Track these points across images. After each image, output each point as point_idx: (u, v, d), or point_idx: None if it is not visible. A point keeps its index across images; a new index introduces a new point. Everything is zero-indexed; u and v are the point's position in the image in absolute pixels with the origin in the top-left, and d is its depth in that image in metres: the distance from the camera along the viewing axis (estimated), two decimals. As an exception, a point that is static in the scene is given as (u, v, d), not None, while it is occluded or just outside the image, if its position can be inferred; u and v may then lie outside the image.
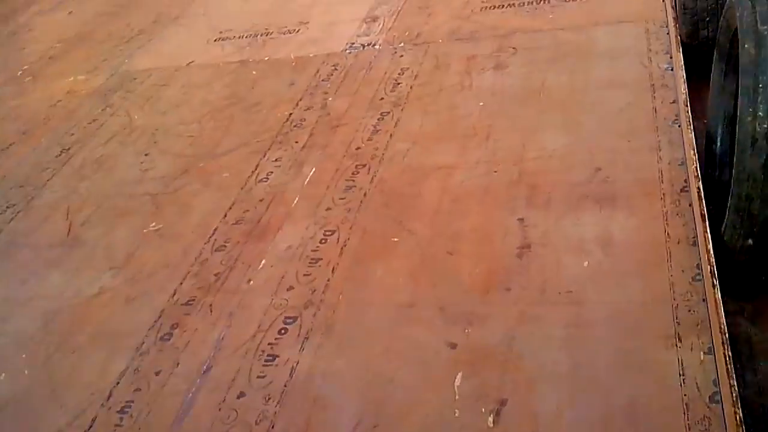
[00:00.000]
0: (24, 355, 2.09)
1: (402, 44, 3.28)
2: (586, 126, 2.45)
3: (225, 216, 2.42)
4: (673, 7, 2.80)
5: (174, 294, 2.12)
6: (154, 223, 2.49)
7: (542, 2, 3.33)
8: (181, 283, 2.16)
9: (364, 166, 2.50)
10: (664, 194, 2.07)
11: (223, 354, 1.90)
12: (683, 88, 2.32)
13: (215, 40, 3.79)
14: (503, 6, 3.40)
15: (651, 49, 2.76)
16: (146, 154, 2.94)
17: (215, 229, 2.36)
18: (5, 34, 4.75)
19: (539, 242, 2.02)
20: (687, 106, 2.24)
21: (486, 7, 3.44)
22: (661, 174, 2.15)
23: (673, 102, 2.42)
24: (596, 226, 2.02)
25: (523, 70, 2.86)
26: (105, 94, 3.53)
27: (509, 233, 2.07)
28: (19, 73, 4.02)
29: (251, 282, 2.10)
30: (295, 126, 2.86)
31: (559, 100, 2.63)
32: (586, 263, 1.92)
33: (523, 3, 3.37)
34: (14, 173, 3.05)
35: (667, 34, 2.80)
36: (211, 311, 2.02)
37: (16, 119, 3.51)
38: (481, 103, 2.71)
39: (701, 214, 1.84)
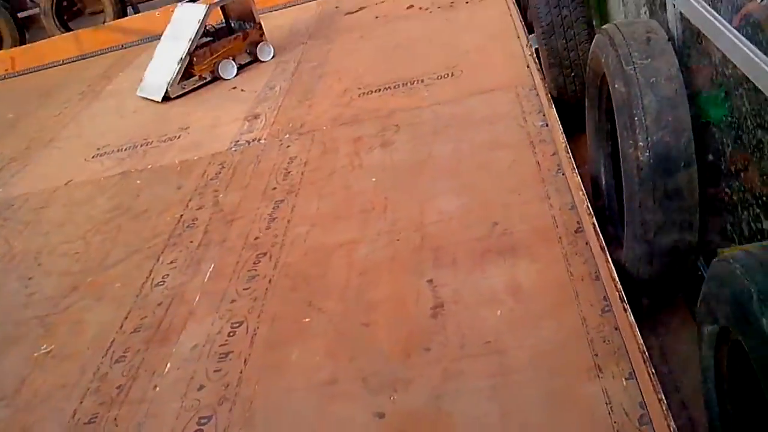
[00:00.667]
0: None
1: (287, 135, 3.30)
2: (477, 186, 2.52)
3: (121, 326, 2.27)
4: (539, 70, 2.99)
5: (74, 414, 1.93)
6: (44, 346, 2.29)
7: (416, 83, 3.49)
8: (81, 402, 1.97)
9: (265, 254, 2.44)
10: (560, 237, 2.13)
11: (134, 471, 1.73)
12: (561, 138, 2.45)
13: (93, 157, 3.69)
14: (380, 90, 3.53)
15: (525, 110, 2.92)
16: (30, 278, 2.74)
17: (112, 341, 2.20)
18: None
19: (451, 300, 2.01)
20: (568, 153, 2.35)
21: (363, 93, 3.55)
22: (555, 219, 2.22)
23: (554, 154, 2.55)
24: (503, 277, 2.04)
25: (409, 145, 2.94)
26: (-22, 224, 3.31)
27: (421, 296, 2.05)
28: None
29: (157, 388, 1.95)
30: (187, 227, 2.77)
31: (447, 167, 2.71)
32: (499, 312, 1.92)
33: (398, 85, 3.52)
34: None
35: (537, 95, 2.98)
36: (116, 425, 1.85)
37: None
38: (374, 179, 2.74)
39: (600, 247, 1.90)
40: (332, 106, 3.51)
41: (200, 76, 4.19)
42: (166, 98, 4.09)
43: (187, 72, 4.13)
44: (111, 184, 3.35)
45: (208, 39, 4.25)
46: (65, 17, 6.27)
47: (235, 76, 4.25)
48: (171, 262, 2.55)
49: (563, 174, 2.41)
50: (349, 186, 2.76)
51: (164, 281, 2.45)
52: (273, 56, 4.40)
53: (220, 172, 3.14)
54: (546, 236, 2.16)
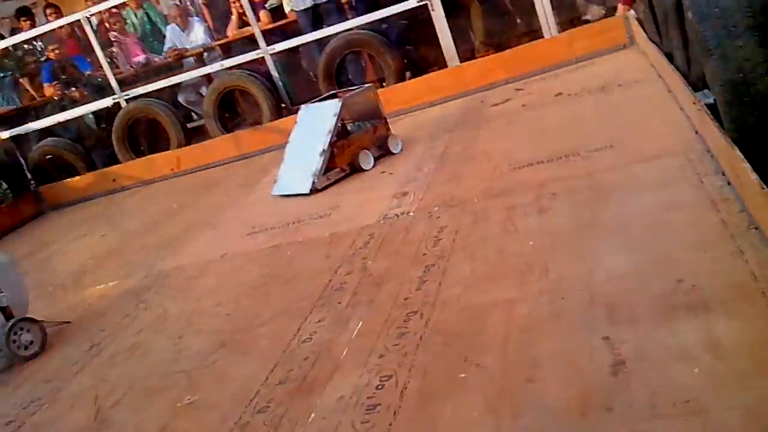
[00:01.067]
0: None
1: (436, 208, 3.21)
2: (652, 245, 2.26)
3: (266, 379, 2.16)
4: (718, 127, 2.70)
5: (214, 461, 1.81)
6: (188, 397, 2.22)
7: (571, 156, 3.32)
8: (221, 450, 1.85)
9: (416, 312, 2.28)
10: (763, 291, 1.82)
11: None
12: (757, 188, 2.16)
13: (248, 235, 3.76)
14: (532, 164, 3.39)
15: (699, 173, 2.66)
16: (180, 337, 2.74)
17: (256, 393, 2.09)
18: (38, 260, 4.79)
19: (634, 357, 1.74)
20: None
21: (514, 168, 3.43)
22: (753, 274, 1.91)
23: (742, 211, 2.26)
24: (697, 333, 1.75)
25: (568, 210, 2.74)
26: (138, 293, 3.42)
27: (595, 353, 1.80)
28: (50, 288, 3.96)
29: (301, 438, 1.80)
30: (336, 290, 2.69)
31: (614, 228, 2.48)
32: (696, 370, 1.62)
33: (552, 159, 3.36)
34: (41, 371, 2.84)
35: (712, 158, 2.71)
36: (257, 472, 1.70)
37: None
38: (531, 243, 2.55)
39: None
40: (482, 180, 3.40)
41: (341, 168, 4.21)
42: (314, 190, 4.10)
43: (328, 165, 4.16)
44: (263, 255, 3.39)
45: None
46: (228, 126, 6.69)
47: (372, 167, 4.25)
48: (318, 321, 2.45)
49: (756, 228, 2.11)
50: (504, 249, 2.58)
51: (311, 338, 2.34)
52: (401, 149, 4.39)
53: (368, 242, 3.07)
54: (744, 291, 1.85)
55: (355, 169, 4.24)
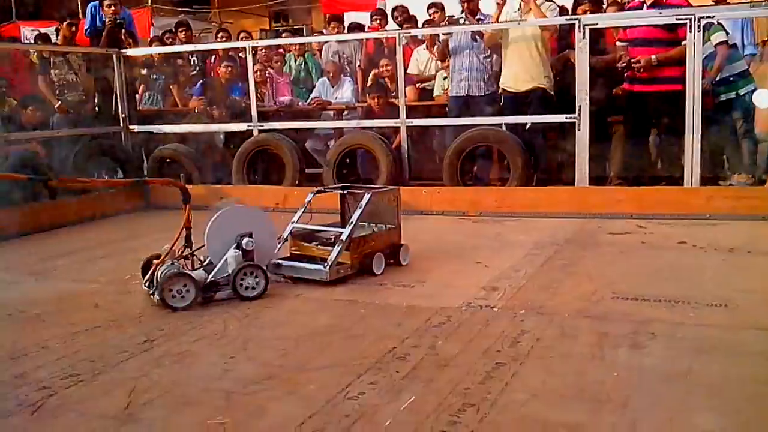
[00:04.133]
0: None
1: (523, 311, 3.06)
2: (744, 413, 2.04)
3: (302, 423, 2.06)
4: None
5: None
6: (220, 417, 2.14)
7: (681, 302, 3.11)
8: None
9: (473, 405, 2.13)
10: None
11: None
12: None
13: (328, 282, 3.71)
14: (636, 299, 3.20)
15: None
16: (231, 357, 2.69)
17: (288, 433, 1.99)
18: (124, 249, 4.95)
19: None
20: None
21: (616, 297, 3.24)
22: None
23: None
24: None
25: (664, 353, 2.53)
26: (206, 305, 3.42)
27: None
28: (127, 277, 4.05)
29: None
30: (397, 358, 2.57)
31: (709, 385, 2.26)
32: None
33: (659, 300, 3.15)
34: (90, 351, 2.84)
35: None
36: None
37: (111, 311, 3.41)
38: (616, 374, 2.36)
39: None
40: (578, 299, 3.23)
41: (351, 264, 3.77)
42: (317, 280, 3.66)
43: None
44: (337, 306, 3.34)
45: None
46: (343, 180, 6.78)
47: (381, 273, 3.82)
48: (371, 383, 2.34)
49: None
50: (585, 372, 2.39)
51: (359, 397, 2.23)
52: (408, 263, 4.02)
53: (444, 323, 2.95)
54: None
55: (364, 270, 3.79)
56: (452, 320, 2.99)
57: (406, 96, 6.50)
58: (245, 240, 3.52)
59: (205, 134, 7.33)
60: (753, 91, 6.26)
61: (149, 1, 15.29)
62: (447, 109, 6.70)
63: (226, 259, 3.47)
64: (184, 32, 8.40)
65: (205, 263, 3.57)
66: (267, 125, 6.89)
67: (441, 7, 7.46)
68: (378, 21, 7.93)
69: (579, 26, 5.49)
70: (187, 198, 3.65)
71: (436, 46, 7.04)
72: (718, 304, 3.07)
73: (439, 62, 7.13)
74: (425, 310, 3.15)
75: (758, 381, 2.29)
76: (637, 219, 5.08)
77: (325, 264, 3.66)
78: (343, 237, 3.73)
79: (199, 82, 7.82)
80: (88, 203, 6.34)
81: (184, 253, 3.59)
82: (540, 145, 6.16)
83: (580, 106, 5.50)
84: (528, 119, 6.03)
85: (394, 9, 7.99)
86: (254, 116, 6.86)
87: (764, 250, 4.05)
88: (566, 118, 5.65)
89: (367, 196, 3.90)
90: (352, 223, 3.81)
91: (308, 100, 7.76)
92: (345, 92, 7.49)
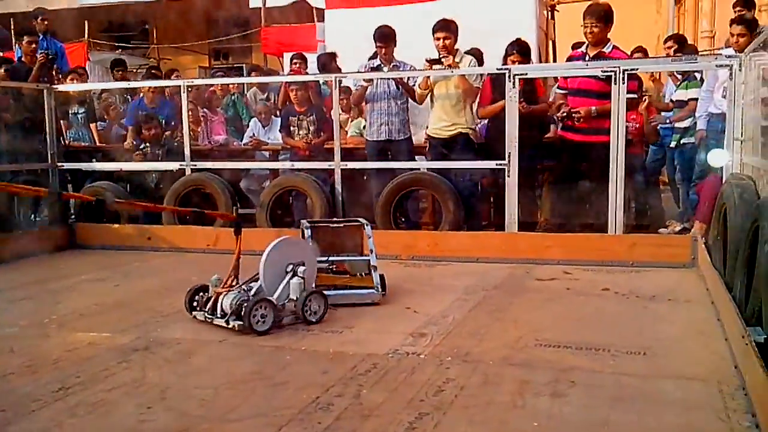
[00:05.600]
0: None
1: (449, 358, 3.07)
2: (661, 466, 2.07)
3: (216, 478, 1.99)
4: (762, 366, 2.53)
5: None
6: (131, 471, 2.06)
7: (602, 350, 3.17)
8: None
9: (394, 458, 2.11)
10: None
11: None
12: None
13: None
14: (559, 346, 3.25)
15: (728, 407, 2.49)
16: (149, 407, 2.59)
17: (200, 489, 1.92)
18: (46, 291, 4.77)
19: None
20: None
21: (540, 344, 3.29)
22: None
23: (766, 458, 2.06)
24: None
25: (583, 402, 2.57)
26: (126, 352, 3.30)
27: None
28: (46, 320, 3.89)
29: None
30: (320, 408, 2.53)
31: (627, 436, 2.29)
32: None
33: (581, 347, 3.22)
34: (0, 399, 2.70)
35: (746, 395, 2.53)
36: None
37: (27, 356, 3.26)
38: (536, 424, 2.38)
39: None
40: (503, 346, 3.27)
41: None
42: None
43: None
44: (262, 351, 3.28)
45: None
46: (276, 222, 6.75)
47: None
48: (291, 435, 2.29)
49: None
50: (506, 422, 2.41)
51: (277, 450, 2.18)
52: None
53: (370, 371, 2.93)
54: None
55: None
56: (378, 368, 2.97)
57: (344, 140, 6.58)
58: (301, 269, 3.72)
59: (137, 173, 7.19)
60: (693, 142, 6.64)
61: (86, 36, 15.03)
62: (366, 152, 6.80)
63: (288, 286, 3.67)
64: (120, 71, 8.31)
65: (252, 291, 3.69)
66: (201, 164, 6.81)
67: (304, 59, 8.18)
68: (298, 65, 8.09)
69: (509, 75, 5.66)
70: (238, 230, 3.91)
71: (353, 92, 7.19)
72: (638, 352, 3.15)
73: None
74: (352, 357, 3.12)
75: (675, 430, 2.35)
76: (564, 265, 5.20)
77: (375, 288, 4.09)
78: (373, 262, 4.19)
79: (129, 110, 7.73)
80: (11, 242, 6.10)
81: (232, 283, 3.73)
82: (471, 190, 6.29)
83: (509, 153, 5.64)
84: (462, 164, 6.15)
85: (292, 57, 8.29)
86: (187, 155, 6.77)
87: (684, 298, 4.19)
88: (497, 164, 5.78)
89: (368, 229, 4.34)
90: (372, 251, 4.21)
91: (246, 139, 7.73)
92: (277, 133, 7.50)
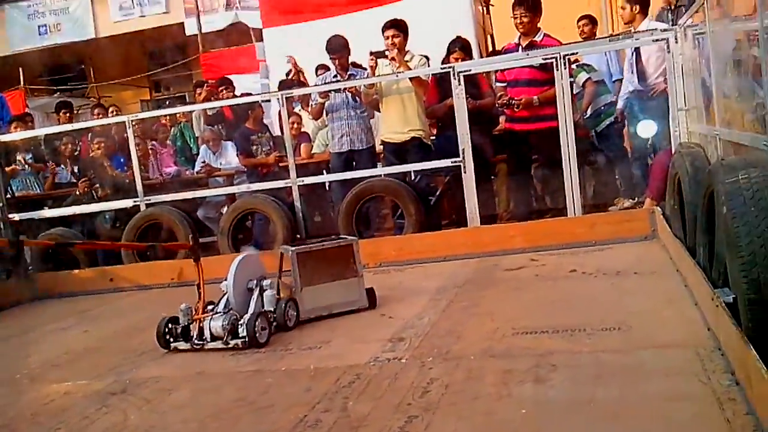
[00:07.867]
0: None
1: (431, 359, 3.08)
2: (650, 433, 2.11)
3: None
4: (734, 324, 2.59)
5: None
6: None
7: (578, 331, 3.21)
8: None
9: (389, 464, 2.10)
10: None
11: None
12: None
13: (230, 355, 3.61)
14: (536, 332, 3.28)
15: (707, 369, 2.53)
16: (134, 449, 2.54)
17: None
18: (13, 346, 4.64)
19: None
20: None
21: (517, 333, 3.32)
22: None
23: (747, 414, 2.11)
24: None
25: (566, 384, 2.60)
26: (104, 397, 3.22)
27: None
28: (18, 376, 3.78)
29: None
30: (309, 426, 2.51)
31: (612, 411, 2.33)
32: None
33: (557, 330, 3.25)
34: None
35: (722, 355, 2.60)
36: None
37: (3, 415, 3.16)
38: (524, 411, 2.40)
39: None
40: (482, 339, 3.28)
41: None
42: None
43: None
44: (242, 378, 3.23)
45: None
46: (239, 247, 6.69)
47: None
48: (283, 457, 2.27)
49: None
50: (494, 413, 2.42)
51: (271, 474, 2.15)
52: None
53: (354, 382, 2.91)
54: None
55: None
56: (361, 378, 2.95)
57: (299, 155, 6.56)
58: (266, 281, 3.93)
59: (91, 215, 7.05)
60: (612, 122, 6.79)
61: (22, 82, 14.72)
62: (330, 165, 6.80)
63: (261, 300, 3.86)
64: (66, 113, 8.16)
65: (218, 311, 3.80)
66: (154, 198, 6.71)
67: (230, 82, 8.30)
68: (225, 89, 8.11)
69: (454, 73, 5.72)
70: (197, 258, 4.02)
71: (310, 106, 7.18)
72: (613, 328, 3.20)
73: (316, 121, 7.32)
74: (333, 370, 3.10)
75: (660, 398, 2.38)
76: (530, 252, 5.25)
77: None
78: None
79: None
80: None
81: (206, 308, 3.84)
82: (430, 190, 6.34)
83: (463, 149, 5.70)
84: (418, 166, 6.19)
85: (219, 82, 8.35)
86: (140, 190, 6.67)
87: (650, 270, 4.27)
88: (452, 162, 5.83)
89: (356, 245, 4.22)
90: (359, 262, 4.17)
91: (198, 167, 7.65)
92: (229, 157, 7.45)
